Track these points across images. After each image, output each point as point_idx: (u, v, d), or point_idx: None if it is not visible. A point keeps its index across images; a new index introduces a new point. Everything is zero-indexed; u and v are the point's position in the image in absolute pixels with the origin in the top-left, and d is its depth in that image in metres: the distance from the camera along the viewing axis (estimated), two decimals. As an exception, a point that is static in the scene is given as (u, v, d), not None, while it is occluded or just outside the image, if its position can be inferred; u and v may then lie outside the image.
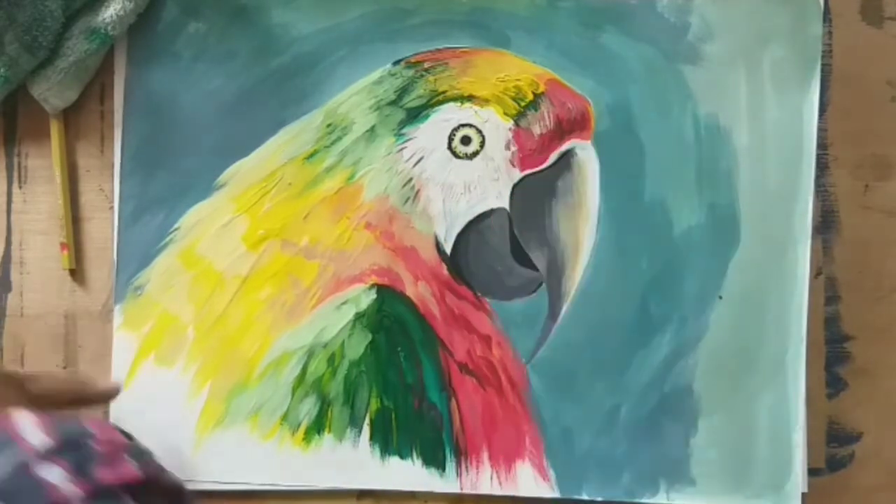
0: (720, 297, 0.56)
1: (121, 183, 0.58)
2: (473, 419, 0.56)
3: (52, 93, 0.56)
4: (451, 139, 0.57)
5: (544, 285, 0.56)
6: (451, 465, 0.56)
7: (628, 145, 0.57)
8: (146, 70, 0.58)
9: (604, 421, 0.55)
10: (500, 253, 0.56)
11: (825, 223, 0.57)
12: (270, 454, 0.56)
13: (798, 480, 0.55)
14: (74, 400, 0.54)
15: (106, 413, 0.57)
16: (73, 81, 0.57)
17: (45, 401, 0.51)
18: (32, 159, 0.59)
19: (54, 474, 0.38)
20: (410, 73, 0.58)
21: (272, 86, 0.58)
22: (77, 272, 0.58)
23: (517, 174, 0.57)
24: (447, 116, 0.57)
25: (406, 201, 0.57)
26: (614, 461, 0.55)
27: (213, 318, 0.57)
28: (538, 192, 0.56)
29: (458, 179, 0.57)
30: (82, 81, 0.57)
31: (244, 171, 0.58)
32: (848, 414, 0.57)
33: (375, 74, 0.58)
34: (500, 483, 0.56)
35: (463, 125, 0.57)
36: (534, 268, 0.56)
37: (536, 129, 0.57)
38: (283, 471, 0.56)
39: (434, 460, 0.56)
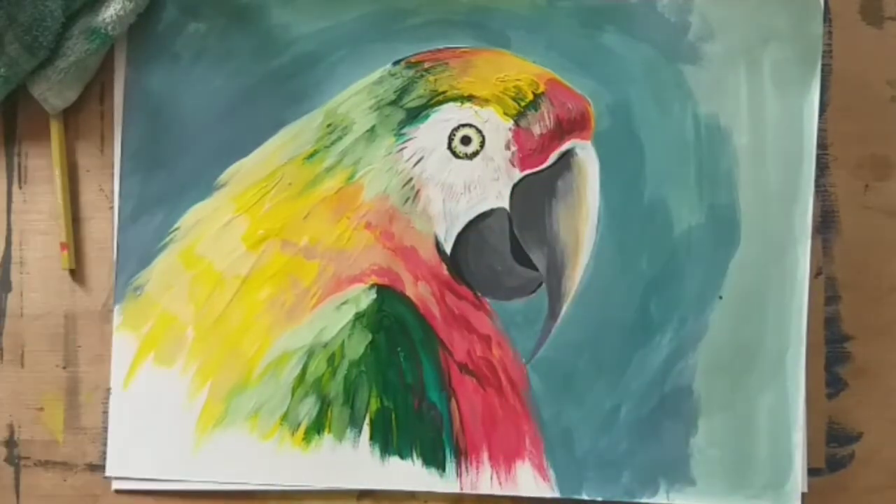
0: (720, 297, 0.56)
1: (121, 183, 0.58)
2: (473, 419, 0.56)
3: (52, 93, 0.56)
4: (451, 139, 0.57)
5: (544, 285, 0.56)
6: (451, 465, 0.56)
7: (628, 145, 0.57)
8: (146, 70, 0.58)
9: (604, 421, 0.55)
10: (500, 253, 0.56)
11: (825, 223, 0.57)
12: (270, 454, 0.56)
13: (798, 480, 0.55)
14: None
15: (105, 413, 0.57)
16: (73, 81, 0.57)
17: None
18: (32, 159, 0.59)
19: None
20: (410, 73, 0.58)
21: (272, 86, 0.58)
22: (77, 272, 0.58)
23: (517, 174, 0.57)
24: (447, 116, 0.57)
25: (406, 201, 0.57)
26: (614, 461, 0.55)
27: (212, 318, 0.57)
28: (538, 192, 0.57)
29: (458, 179, 0.57)
30: (82, 81, 0.57)
31: (244, 171, 0.58)
32: (848, 414, 0.57)
33: (375, 74, 0.58)
34: (500, 483, 0.56)
35: (463, 125, 0.57)
36: (534, 268, 0.57)
37: (536, 129, 0.57)
38: (282, 471, 0.56)
39: (434, 460, 0.56)
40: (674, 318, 0.56)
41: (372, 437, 0.56)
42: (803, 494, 0.55)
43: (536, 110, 0.57)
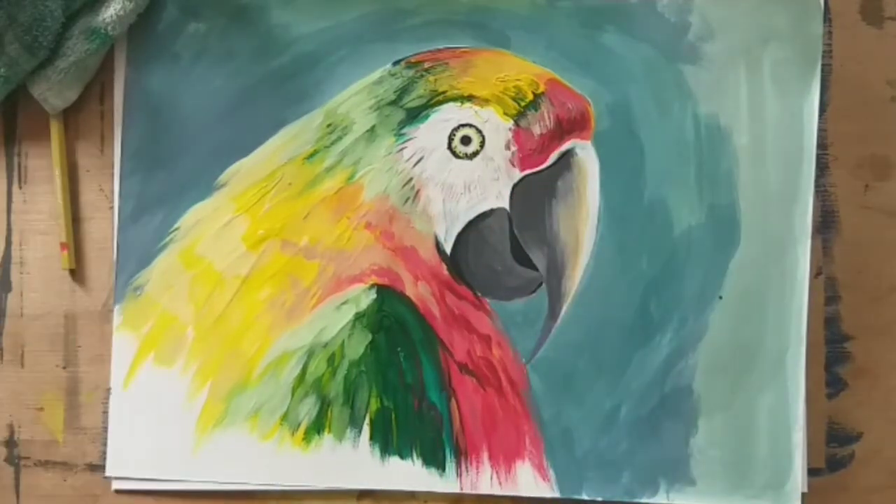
0: (720, 297, 0.56)
1: (121, 183, 0.58)
2: (473, 419, 0.56)
3: (52, 93, 0.57)
4: (451, 139, 0.57)
5: (544, 285, 0.56)
6: (451, 465, 0.56)
7: (628, 145, 0.57)
8: (146, 70, 0.58)
9: (604, 421, 0.55)
10: (500, 253, 0.56)
11: (825, 223, 0.57)
12: (270, 454, 0.56)
13: (798, 480, 0.55)
14: None
15: (105, 413, 0.57)
16: (73, 81, 0.57)
17: None
18: (32, 159, 0.59)
19: None
20: (410, 73, 0.58)
21: (272, 86, 0.58)
22: (77, 272, 0.58)
23: (517, 174, 0.57)
24: (447, 116, 0.57)
25: (406, 201, 0.57)
26: (614, 461, 0.55)
27: (212, 318, 0.57)
28: (538, 192, 0.57)
29: (458, 179, 0.57)
30: (82, 81, 0.57)
31: (244, 171, 0.58)
32: (848, 414, 0.57)
33: (375, 74, 0.58)
34: (500, 483, 0.56)
35: (463, 125, 0.57)
36: (534, 268, 0.57)
37: (536, 129, 0.57)
38: (283, 471, 0.56)
39: (434, 460, 0.56)
40: (674, 318, 0.56)
41: (372, 437, 0.56)
42: (803, 494, 0.55)
43: (536, 110, 0.57)
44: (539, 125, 0.57)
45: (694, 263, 0.56)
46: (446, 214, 0.57)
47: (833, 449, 0.57)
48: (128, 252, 0.58)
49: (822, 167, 0.57)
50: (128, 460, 0.57)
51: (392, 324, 0.57)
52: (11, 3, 0.54)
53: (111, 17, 0.55)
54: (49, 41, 0.56)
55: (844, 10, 0.58)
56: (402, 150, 0.57)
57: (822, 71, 0.57)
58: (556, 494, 0.56)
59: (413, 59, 0.58)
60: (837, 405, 0.57)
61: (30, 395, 0.58)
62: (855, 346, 0.57)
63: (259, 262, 0.57)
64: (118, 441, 0.57)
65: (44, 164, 0.58)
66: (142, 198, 0.58)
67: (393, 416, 0.56)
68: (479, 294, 0.56)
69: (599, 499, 0.56)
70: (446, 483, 0.56)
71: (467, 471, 0.56)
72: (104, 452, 0.57)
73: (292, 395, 0.56)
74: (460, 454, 0.56)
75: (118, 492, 0.57)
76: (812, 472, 0.56)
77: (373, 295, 0.57)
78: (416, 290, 0.57)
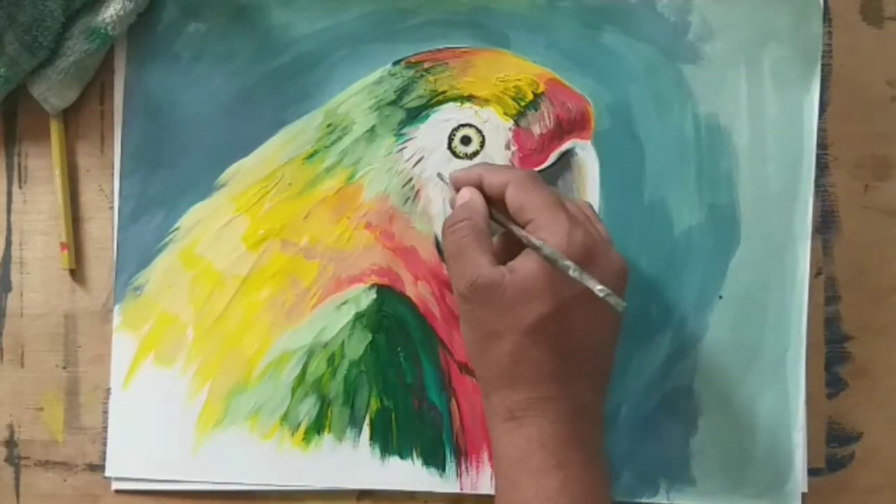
0: (720, 297, 0.56)
1: (121, 183, 0.58)
2: (473, 419, 0.56)
3: (52, 93, 0.56)
4: (451, 139, 0.57)
5: (544, 285, 0.56)
6: (451, 465, 0.56)
7: (628, 145, 0.57)
8: (146, 70, 0.58)
9: (604, 421, 0.55)
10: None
11: (825, 223, 0.57)
12: (270, 454, 0.56)
13: (798, 480, 0.55)
14: None
15: (105, 413, 0.57)
16: (73, 81, 0.57)
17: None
18: (32, 159, 0.59)
19: None
20: (410, 73, 0.58)
21: (272, 86, 0.58)
22: (77, 272, 0.58)
23: (517, 174, 0.56)
24: (447, 116, 0.57)
25: (406, 201, 0.57)
26: (614, 461, 0.55)
27: (212, 318, 0.57)
28: (538, 192, 0.56)
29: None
30: (82, 81, 0.57)
31: (244, 171, 0.58)
32: (848, 414, 0.57)
33: (375, 74, 0.58)
34: (500, 483, 0.56)
35: (463, 125, 0.57)
36: (534, 268, 0.56)
37: (536, 129, 0.57)
38: (283, 471, 0.56)
39: (434, 460, 0.56)
40: (674, 318, 0.56)
41: (372, 437, 0.56)
42: (803, 494, 0.55)
43: (536, 110, 0.57)
44: (539, 125, 0.57)
45: (694, 263, 0.56)
46: (446, 214, 0.57)
47: (833, 449, 0.57)
48: (128, 252, 0.58)
49: (822, 167, 0.57)
50: (128, 460, 0.57)
51: (392, 324, 0.57)
52: (11, 3, 0.54)
53: (111, 17, 0.55)
54: (49, 41, 0.56)
55: (844, 10, 0.58)
56: (402, 150, 0.57)
57: (822, 71, 0.57)
58: (556, 494, 0.56)
59: (413, 59, 0.58)
60: (837, 405, 0.57)
61: (30, 395, 0.58)
62: (855, 346, 0.57)
63: (259, 262, 0.57)
64: (118, 441, 0.57)
65: (44, 164, 0.58)
66: (142, 198, 0.58)
67: (393, 416, 0.56)
68: (479, 294, 0.56)
69: (599, 499, 0.56)
70: (446, 483, 0.56)
71: (467, 471, 0.56)
72: (104, 452, 0.57)
73: (292, 395, 0.56)
74: (460, 454, 0.56)
75: (118, 492, 0.57)
76: (812, 472, 0.56)
77: (373, 295, 0.57)
78: (417, 290, 0.57)
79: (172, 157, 0.58)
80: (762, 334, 0.56)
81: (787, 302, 0.56)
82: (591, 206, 0.54)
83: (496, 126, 0.57)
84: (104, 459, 0.57)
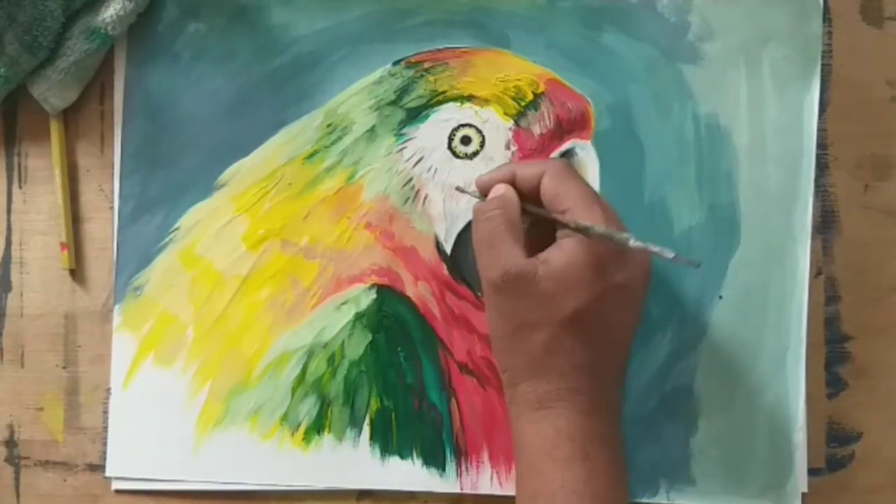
0: (720, 297, 0.56)
1: (121, 183, 0.58)
2: (473, 419, 0.56)
3: (52, 93, 0.56)
4: (451, 139, 0.57)
5: (544, 285, 0.56)
6: (451, 465, 0.56)
7: (628, 145, 0.57)
8: (146, 70, 0.58)
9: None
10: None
11: (825, 223, 0.57)
12: (270, 454, 0.56)
13: (798, 480, 0.55)
14: None
15: (105, 413, 0.57)
16: (73, 81, 0.57)
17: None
18: (32, 159, 0.59)
19: None
20: (410, 73, 0.58)
21: (272, 86, 0.58)
22: (77, 272, 0.58)
23: (517, 174, 0.56)
24: (447, 116, 0.57)
25: (406, 201, 0.57)
26: (614, 461, 0.55)
27: (212, 318, 0.57)
28: (538, 192, 0.56)
29: (458, 179, 0.57)
30: (82, 81, 0.57)
31: (244, 171, 0.58)
32: (848, 414, 0.57)
33: (375, 74, 0.58)
34: (500, 483, 0.56)
35: (463, 125, 0.57)
36: (534, 268, 0.56)
37: (536, 129, 0.57)
38: (283, 471, 0.56)
39: (434, 460, 0.56)
40: (674, 319, 0.56)
41: (372, 437, 0.56)
42: (803, 494, 0.55)
43: (536, 110, 0.57)
44: (539, 125, 0.57)
45: (694, 263, 0.56)
46: (446, 214, 0.57)
47: (833, 449, 0.57)
48: (128, 252, 0.58)
49: (822, 167, 0.57)
50: (128, 460, 0.57)
51: (392, 324, 0.57)
52: (11, 3, 0.54)
53: (111, 17, 0.55)
54: (49, 41, 0.56)
55: (844, 10, 0.58)
56: (402, 150, 0.57)
57: (822, 71, 0.57)
58: (556, 494, 0.56)
59: (413, 59, 0.58)
60: (837, 405, 0.57)
61: (30, 395, 0.58)
62: (855, 346, 0.57)
63: (259, 262, 0.57)
64: (118, 441, 0.57)
65: (44, 164, 0.58)
66: (142, 198, 0.58)
67: (393, 416, 0.56)
68: (480, 294, 0.56)
69: (599, 499, 0.56)
70: (446, 483, 0.56)
71: (467, 471, 0.56)
72: (104, 452, 0.57)
73: (292, 395, 0.56)
74: (460, 454, 0.56)
75: (118, 492, 0.57)
76: (812, 472, 0.56)
77: (373, 295, 0.57)
78: (417, 290, 0.57)
79: (172, 157, 0.58)
80: (762, 334, 0.56)
81: (786, 302, 0.56)
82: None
83: (496, 126, 0.57)
84: (104, 459, 0.57)
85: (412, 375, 0.56)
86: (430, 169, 0.57)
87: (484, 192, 0.54)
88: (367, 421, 0.56)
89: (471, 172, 0.56)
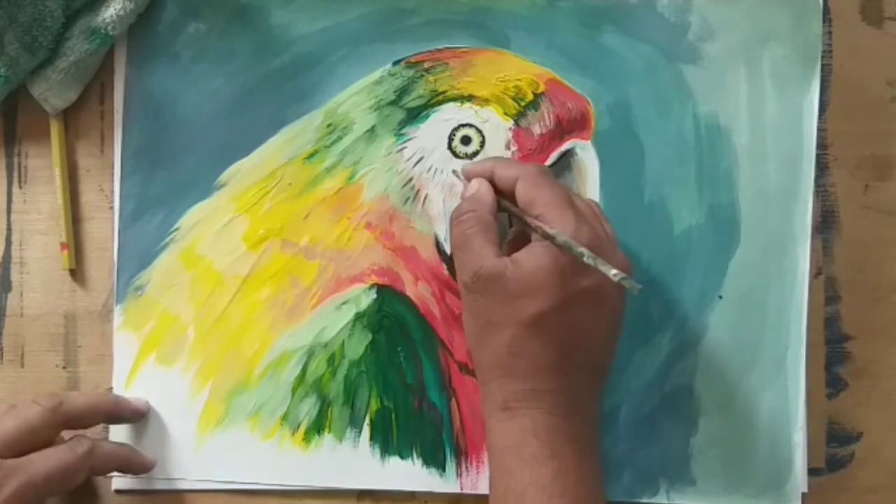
0: (720, 297, 0.56)
1: (121, 183, 0.58)
2: (473, 419, 0.56)
3: (52, 93, 0.56)
4: (451, 139, 0.57)
5: (544, 285, 0.56)
6: (451, 465, 0.56)
7: (628, 145, 0.57)
8: (146, 70, 0.58)
9: (604, 421, 0.55)
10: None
11: (825, 223, 0.57)
12: (270, 454, 0.56)
13: (798, 480, 0.55)
14: (106, 419, 0.54)
15: (106, 413, 0.57)
16: (73, 81, 0.57)
17: (77, 421, 0.53)
18: (32, 159, 0.59)
19: None
20: (410, 73, 0.58)
21: (272, 86, 0.58)
22: (77, 272, 0.58)
23: (517, 174, 0.56)
24: (447, 116, 0.57)
25: (406, 201, 0.57)
26: (614, 461, 0.55)
27: (213, 318, 0.57)
28: (538, 192, 0.56)
29: (458, 179, 0.57)
30: (82, 81, 0.57)
31: (244, 171, 0.58)
32: (848, 414, 0.57)
33: (375, 74, 0.58)
34: (500, 483, 0.56)
35: (463, 125, 0.57)
36: (534, 268, 0.56)
37: (536, 129, 0.57)
38: (283, 471, 0.56)
39: (434, 460, 0.56)
40: (674, 318, 0.56)
41: (372, 438, 0.56)
42: (803, 494, 0.55)
43: (536, 110, 0.57)
44: (539, 125, 0.57)
45: (694, 263, 0.56)
46: (446, 214, 0.57)
47: (833, 449, 0.57)
48: (128, 252, 0.58)
49: (822, 167, 0.57)
50: (128, 460, 0.57)
51: (392, 324, 0.57)
52: (11, 3, 0.54)
53: (111, 17, 0.55)
54: (49, 41, 0.56)
55: (844, 10, 0.58)
56: (402, 150, 0.57)
57: (822, 71, 0.57)
58: (556, 494, 0.56)
59: (413, 59, 0.58)
60: (837, 405, 0.57)
61: (30, 395, 0.57)
62: (855, 346, 0.57)
63: (259, 262, 0.57)
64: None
65: (44, 164, 0.58)
66: (142, 198, 0.58)
67: (393, 416, 0.56)
68: (479, 294, 0.56)
69: (599, 499, 0.56)
70: (446, 483, 0.56)
71: (467, 471, 0.56)
72: (104, 452, 0.57)
73: (292, 395, 0.56)
74: (460, 454, 0.56)
75: (118, 491, 0.57)
76: (812, 472, 0.56)
77: (373, 295, 0.57)
78: (417, 290, 0.57)
79: (173, 157, 0.58)
80: (762, 334, 0.56)
81: (786, 302, 0.56)
82: (598, 205, 0.54)
83: (496, 126, 0.57)
84: (104, 459, 0.57)
85: (412, 375, 0.56)
86: (430, 169, 0.57)
87: (468, 179, 0.54)
88: (367, 421, 0.56)
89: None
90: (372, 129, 0.57)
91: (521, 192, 0.51)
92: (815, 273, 0.57)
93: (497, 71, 0.57)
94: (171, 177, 0.58)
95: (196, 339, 0.57)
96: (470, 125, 0.57)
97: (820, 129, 0.57)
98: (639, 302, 0.56)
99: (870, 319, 0.57)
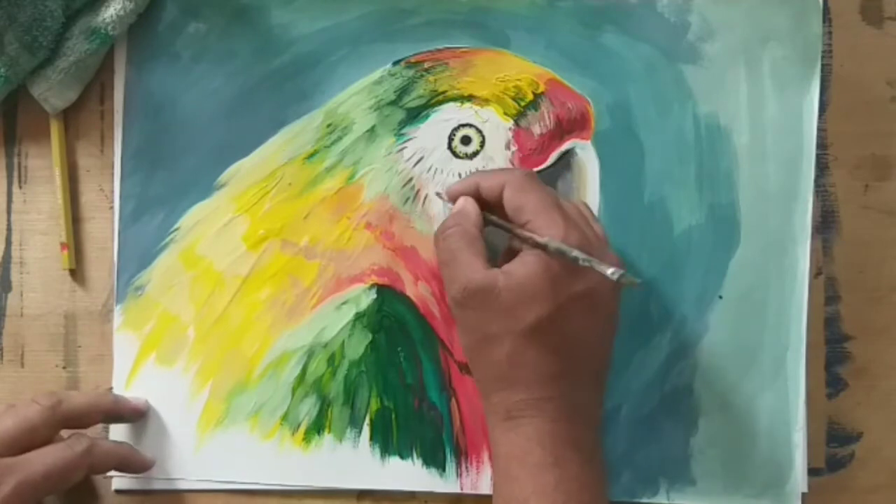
0: (720, 297, 0.56)
1: (121, 183, 0.58)
2: (473, 419, 0.56)
3: (52, 93, 0.57)
4: (451, 139, 0.57)
5: (544, 285, 0.56)
6: (451, 465, 0.56)
7: (628, 145, 0.57)
8: (146, 70, 0.58)
9: (604, 421, 0.55)
10: (499, 253, 0.56)
11: (825, 223, 0.57)
12: (270, 454, 0.56)
13: (798, 480, 0.55)
14: (105, 418, 0.54)
15: (106, 413, 0.57)
16: (73, 81, 0.57)
17: (76, 420, 0.52)
18: (32, 159, 0.59)
19: None
20: (410, 73, 0.58)
21: (272, 86, 0.58)
22: (77, 272, 0.58)
23: (517, 174, 0.56)
24: (447, 116, 0.57)
25: (406, 201, 0.57)
26: (614, 461, 0.55)
27: (213, 318, 0.57)
28: (538, 192, 0.56)
29: (458, 179, 0.57)
30: (82, 81, 0.57)
31: (244, 171, 0.58)
32: (848, 414, 0.57)
33: (375, 74, 0.58)
34: (500, 483, 0.56)
35: (463, 125, 0.57)
36: (534, 268, 0.56)
37: (536, 129, 0.57)
38: (283, 471, 0.56)
39: (434, 460, 0.56)
40: (674, 319, 0.56)
41: (372, 438, 0.56)
42: (803, 494, 0.55)
43: (536, 110, 0.57)
44: (539, 125, 0.57)
45: (694, 263, 0.56)
46: (446, 214, 0.57)
47: (833, 449, 0.57)
48: (128, 252, 0.58)
49: (822, 167, 0.57)
50: (128, 460, 0.57)
51: (392, 324, 0.57)
52: (11, 3, 0.54)
53: (111, 17, 0.55)
54: (49, 41, 0.56)
55: (844, 10, 0.58)
56: (402, 150, 0.57)
57: (822, 71, 0.57)
58: (556, 494, 0.56)
59: (413, 59, 0.58)
60: (837, 405, 0.57)
61: (30, 395, 0.57)
62: (855, 346, 0.57)
63: (259, 262, 0.57)
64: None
65: (44, 164, 0.58)
66: (142, 198, 0.58)
67: (393, 416, 0.56)
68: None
69: (599, 499, 0.56)
70: (446, 483, 0.56)
71: (467, 471, 0.56)
72: (104, 452, 0.57)
73: (292, 395, 0.56)
74: (460, 454, 0.56)
75: (118, 491, 0.57)
76: (812, 472, 0.56)
77: (373, 295, 0.57)
78: (417, 290, 0.57)
79: (173, 157, 0.58)
80: (762, 334, 0.56)
81: (786, 302, 0.56)
82: (587, 207, 0.54)
83: (496, 126, 0.57)
84: (104, 459, 0.57)
85: (412, 375, 0.56)
86: (430, 169, 0.57)
87: (452, 201, 0.54)
88: (367, 421, 0.56)
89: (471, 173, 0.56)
90: (372, 129, 0.57)
91: (509, 199, 0.50)
92: (815, 273, 0.57)
93: (497, 71, 0.57)
94: (171, 177, 0.58)
95: (196, 339, 0.57)
96: (470, 125, 0.57)
97: (820, 129, 0.57)
98: (639, 302, 0.56)
99: (870, 319, 0.57)
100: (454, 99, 0.57)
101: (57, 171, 0.58)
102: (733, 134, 0.57)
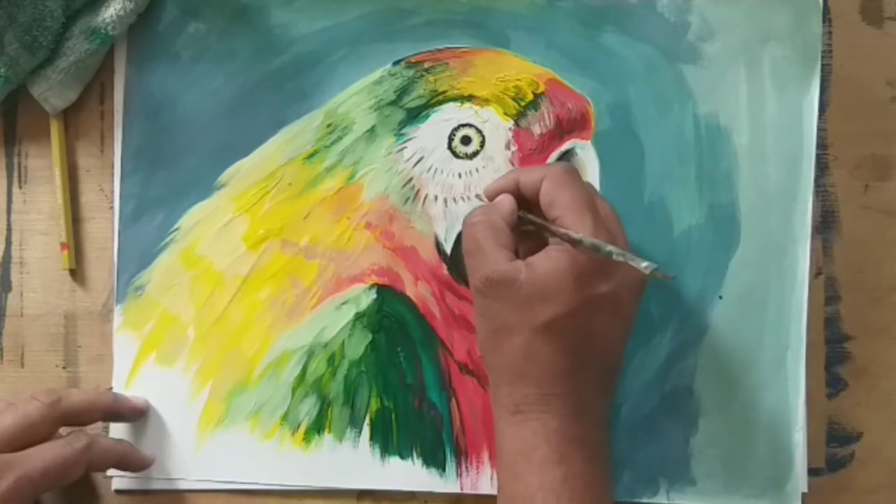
0: (720, 297, 0.56)
1: (121, 183, 0.58)
2: (473, 419, 0.56)
3: (52, 93, 0.57)
4: (451, 139, 0.57)
5: (544, 285, 0.56)
6: (451, 465, 0.56)
7: (628, 145, 0.57)
8: (146, 70, 0.58)
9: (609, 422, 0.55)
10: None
11: (825, 223, 0.57)
12: (270, 454, 0.56)
13: (798, 480, 0.55)
14: (104, 416, 0.54)
15: (106, 413, 0.57)
16: (73, 81, 0.57)
17: (75, 418, 0.53)
18: (32, 159, 0.59)
19: None
20: (410, 73, 0.58)
21: (272, 86, 0.58)
22: (77, 272, 0.58)
23: (517, 174, 0.56)
24: (447, 116, 0.57)
25: (406, 201, 0.57)
26: (614, 461, 0.55)
27: (213, 318, 0.57)
28: (538, 192, 0.56)
29: (458, 179, 0.57)
30: (82, 81, 0.57)
31: (244, 171, 0.58)
32: (848, 414, 0.57)
33: (375, 74, 0.58)
34: (500, 483, 0.56)
35: (463, 125, 0.57)
36: (534, 268, 0.56)
37: (536, 129, 0.57)
38: (283, 471, 0.56)
39: (434, 460, 0.56)
40: (674, 318, 0.56)
41: (372, 438, 0.56)
42: (803, 494, 0.55)
43: (536, 110, 0.57)
44: (539, 125, 0.57)
45: (694, 263, 0.56)
46: (446, 214, 0.57)
47: (833, 449, 0.57)
48: (128, 252, 0.58)
49: (822, 167, 0.57)
50: (128, 460, 0.57)
51: (392, 324, 0.57)
52: (11, 3, 0.54)
53: (111, 17, 0.55)
54: (49, 41, 0.56)
55: (844, 10, 0.58)
56: (402, 150, 0.57)
57: (822, 71, 0.57)
58: (556, 494, 0.56)
59: (413, 59, 0.58)
60: (837, 405, 0.57)
61: (30, 395, 0.58)
62: (855, 346, 0.57)
63: (259, 262, 0.57)
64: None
65: (44, 164, 0.58)
66: (142, 198, 0.58)
67: (393, 416, 0.56)
68: (479, 294, 0.56)
69: (599, 499, 0.56)
70: (446, 483, 0.56)
71: (467, 471, 0.56)
72: (104, 452, 0.57)
73: (292, 395, 0.56)
74: (460, 454, 0.56)
75: (118, 491, 0.57)
76: (812, 472, 0.56)
77: (373, 295, 0.57)
78: (417, 290, 0.57)
79: (173, 157, 0.58)
80: (762, 334, 0.56)
81: (786, 302, 0.56)
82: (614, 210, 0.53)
83: (496, 126, 0.57)
84: (104, 459, 0.57)
85: (412, 375, 0.56)
86: (430, 169, 0.57)
87: (491, 200, 0.54)
88: (367, 421, 0.56)
89: (471, 172, 0.56)
90: (372, 129, 0.57)
91: (545, 192, 0.50)
92: (815, 273, 0.57)
93: (497, 71, 0.57)
94: (171, 177, 0.58)
95: (196, 339, 0.57)
96: (470, 125, 0.57)
97: (820, 129, 0.57)
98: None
99: (870, 319, 0.57)
100: (454, 99, 0.57)
101: (57, 171, 0.58)
102: (733, 134, 0.57)
